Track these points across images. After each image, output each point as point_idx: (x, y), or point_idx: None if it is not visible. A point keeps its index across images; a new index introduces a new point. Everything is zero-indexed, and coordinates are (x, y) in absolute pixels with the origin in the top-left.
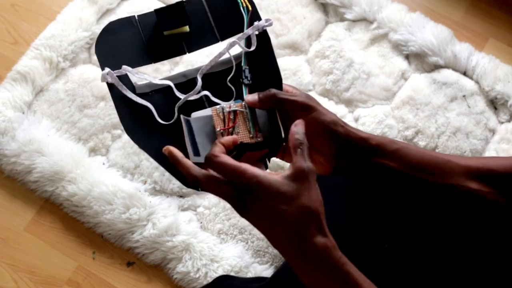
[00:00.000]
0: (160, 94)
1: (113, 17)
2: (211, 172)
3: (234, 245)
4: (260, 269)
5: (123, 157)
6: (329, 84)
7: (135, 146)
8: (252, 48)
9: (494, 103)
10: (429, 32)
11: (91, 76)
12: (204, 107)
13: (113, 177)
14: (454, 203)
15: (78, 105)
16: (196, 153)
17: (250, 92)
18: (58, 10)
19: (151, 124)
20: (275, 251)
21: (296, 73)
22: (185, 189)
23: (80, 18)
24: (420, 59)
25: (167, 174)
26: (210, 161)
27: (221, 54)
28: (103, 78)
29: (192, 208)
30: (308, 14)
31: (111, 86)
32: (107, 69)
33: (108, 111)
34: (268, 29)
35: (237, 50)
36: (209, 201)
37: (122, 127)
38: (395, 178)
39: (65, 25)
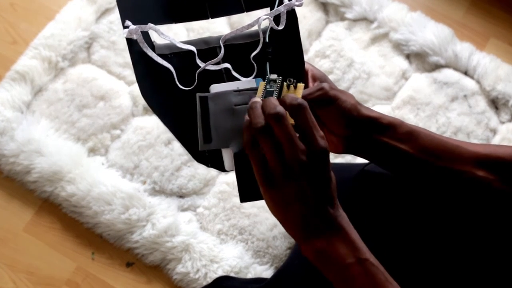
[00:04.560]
0: (179, 58)
1: (112, 17)
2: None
3: (234, 245)
4: (260, 270)
5: (123, 157)
6: None
7: (135, 146)
8: (281, 27)
9: (495, 103)
10: (430, 32)
11: (90, 75)
12: (222, 81)
13: (112, 177)
14: (459, 189)
15: (77, 105)
16: (207, 139)
17: (270, 70)
18: (57, 10)
19: (168, 88)
20: (275, 252)
21: None
22: (185, 190)
23: (79, 18)
24: (421, 59)
25: (167, 174)
26: (277, 116)
27: (249, 25)
28: (129, 34)
29: (192, 208)
30: (308, 13)
31: (131, 43)
32: (132, 26)
33: (107, 111)
34: None
35: (262, 24)
36: (209, 201)
37: (121, 127)
38: (403, 160)
39: (64, 24)
